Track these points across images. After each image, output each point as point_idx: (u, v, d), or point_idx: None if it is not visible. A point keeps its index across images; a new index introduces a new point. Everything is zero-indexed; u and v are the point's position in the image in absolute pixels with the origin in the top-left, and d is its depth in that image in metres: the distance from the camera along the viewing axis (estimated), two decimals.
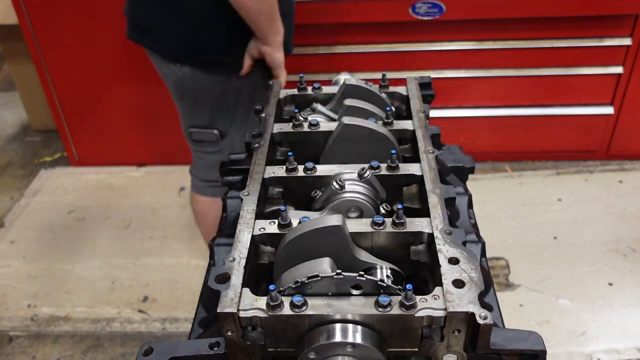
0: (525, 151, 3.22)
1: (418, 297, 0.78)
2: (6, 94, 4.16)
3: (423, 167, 1.05)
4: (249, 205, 0.99)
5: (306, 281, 0.80)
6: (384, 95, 1.25)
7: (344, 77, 1.36)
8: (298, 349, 0.81)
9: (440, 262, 0.84)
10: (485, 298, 0.96)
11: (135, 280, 2.65)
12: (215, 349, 0.84)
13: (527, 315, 2.37)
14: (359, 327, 0.79)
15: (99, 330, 2.44)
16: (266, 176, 1.05)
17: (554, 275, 2.54)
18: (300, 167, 1.06)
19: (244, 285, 0.83)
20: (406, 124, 1.19)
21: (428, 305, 0.78)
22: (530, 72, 2.91)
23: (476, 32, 2.80)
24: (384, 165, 1.05)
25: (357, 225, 0.94)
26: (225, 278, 0.83)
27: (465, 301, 0.77)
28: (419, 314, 0.77)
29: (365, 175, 1.01)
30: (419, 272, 0.96)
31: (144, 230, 2.92)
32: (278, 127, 1.20)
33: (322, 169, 1.06)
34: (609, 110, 3.00)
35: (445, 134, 1.30)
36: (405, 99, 1.32)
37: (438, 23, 2.73)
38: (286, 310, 0.78)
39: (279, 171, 1.06)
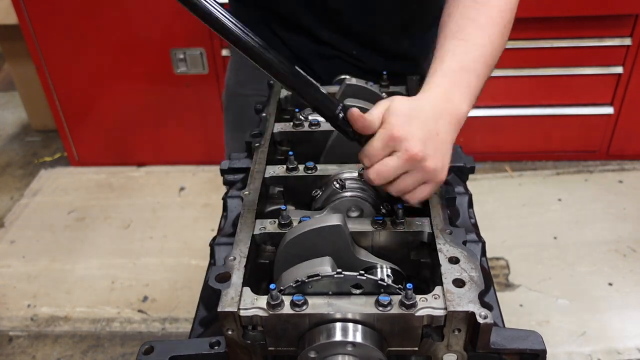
0: (525, 151, 3.22)
1: (418, 297, 0.78)
2: (6, 94, 4.16)
3: None
4: (250, 205, 0.99)
5: (306, 280, 0.80)
6: (384, 95, 1.25)
7: (344, 77, 1.36)
8: (298, 347, 0.82)
9: (441, 262, 0.84)
10: (485, 298, 0.96)
11: (135, 280, 2.65)
12: (216, 348, 0.84)
13: (527, 315, 2.37)
14: (359, 326, 0.79)
15: (99, 330, 2.44)
16: (267, 175, 1.06)
17: (554, 275, 2.54)
18: (301, 167, 1.06)
19: (244, 284, 0.83)
20: None
21: (428, 305, 0.78)
22: (530, 72, 2.91)
23: None
24: None
25: (358, 224, 0.94)
26: (225, 277, 0.84)
27: (465, 300, 0.77)
28: (419, 313, 0.77)
29: None
30: (419, 272, 0.96)
31: (144, 230, 2.92)
32: (278, 127, 1.20)
33: (323, 169, 1.06)
34: (609, 110, 3.00)
35: None
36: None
37: None
38: (286, 309, 0.78)
39: (280, 170, 1.07)
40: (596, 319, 2.34)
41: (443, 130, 0.91)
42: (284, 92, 1.34)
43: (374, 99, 1.23)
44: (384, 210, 1.03)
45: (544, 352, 0.79)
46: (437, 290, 0.80)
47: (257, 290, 0.83)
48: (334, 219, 0.87)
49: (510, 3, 1.06)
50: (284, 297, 0.79)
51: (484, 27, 1.02)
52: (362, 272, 0.80)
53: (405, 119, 0.90)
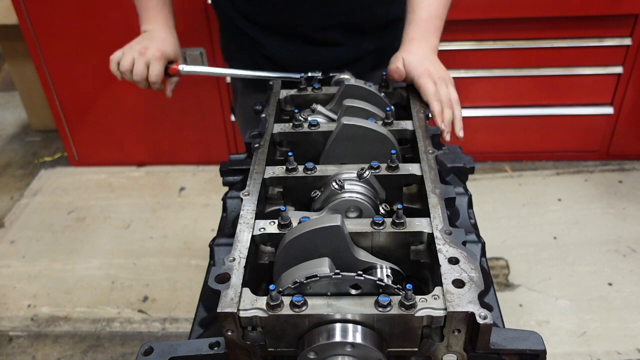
0: (525, 151, 3.22)
1: (418, 297, 0.78)
2: (6, 94, 4.16)
3: (423, 167, 1.05)
4: (249, 205, 0.99)
5: (305, 281, 0.80)
6: (382, 95, 1.26)
7: (343, 77, 1.36)
8: (298, 348, 0.81)
9: (440, 262, 0.84)
10: (485, 298, 0.96)
11: (135, 280, 2.65)
12: (216, 348, 0.84)
13: (527, 315, 2.37)
14: (359, 327, 0.79)
15: (99, 330, 2.44)
16: (266, 176, 1.06)
17: (553, 275, 2.54)
18: (300, 167, 1.06)
19: (244, 285, 0.83)
20: (406, 124, 1.19)
21: (428, 305, 0.78)
22: (530, 72, 2.91)
23: (476, 32, 2.80)
24: (383, 165, 1.06)
25: (357, 225, 0.94)
26: (225, 278, 0.84)
27: (465, 301, 0.77)
28: (419, 313, 0.77)
29: (365, 175, 1.01)
30: (419, 272, 0.96)
31: (144, 230, 2.92)
32: (278, 128, 1.20)
33: (322, 169, 1.06)
34: (609, 110, 3.00)
35: None
36: (405, 99, 1.32)
37: None
38: (286, 310, 0.78)
39: (279, 171, 1.07)
40: (596, 319, 2.34)
41: (435, 58, 1.34)
42: (284, 93, 1.34)
43: (373, 99, 1.24)
44: (383, 211, 1.03)
45: (544, 352, 0.79)
46: (437, 290, 0.80)
47: (256, 291, 0.83)
48: (333, 220, 0.87)
49: None
50: (283, 298, 0.79)
51: None
52: (360, 272, 0.80)
53: (426, 63, 1.29)
